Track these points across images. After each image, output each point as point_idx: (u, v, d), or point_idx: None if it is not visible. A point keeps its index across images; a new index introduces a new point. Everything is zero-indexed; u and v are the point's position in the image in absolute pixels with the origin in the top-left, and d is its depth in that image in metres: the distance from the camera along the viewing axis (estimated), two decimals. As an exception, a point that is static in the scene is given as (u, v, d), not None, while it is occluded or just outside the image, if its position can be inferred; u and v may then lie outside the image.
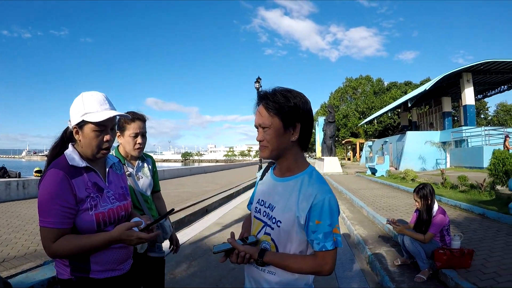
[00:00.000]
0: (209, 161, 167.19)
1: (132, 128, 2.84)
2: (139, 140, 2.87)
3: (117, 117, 1.98)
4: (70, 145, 1.92)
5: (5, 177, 12.47)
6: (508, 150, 18.29)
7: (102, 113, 1.84)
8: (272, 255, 1.65)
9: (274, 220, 1.69)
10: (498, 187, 10.12)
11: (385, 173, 20.65)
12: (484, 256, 4.80)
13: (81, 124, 1.85)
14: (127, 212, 2.06)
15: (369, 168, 23.36)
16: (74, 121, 1.86)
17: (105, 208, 1.89)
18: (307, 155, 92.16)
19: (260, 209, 1.80)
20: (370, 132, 59.60)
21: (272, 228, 1.69)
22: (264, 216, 1.76)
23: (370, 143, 41.95)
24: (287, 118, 1.62)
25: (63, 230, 1.75)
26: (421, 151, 26.06)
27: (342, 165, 36.02)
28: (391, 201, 10.65)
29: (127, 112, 2.80)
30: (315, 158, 45.63)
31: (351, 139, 59.42)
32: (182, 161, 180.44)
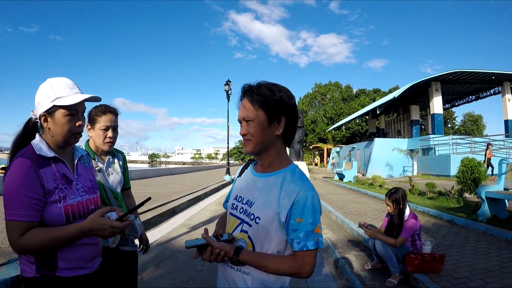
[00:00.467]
0: (176, 163, 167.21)
1: (103, 121, 2.73)
2: (109, 133, 2.76)
3: (86, 108, 1.89)
4: (37, 135, 1.80)
5: None
6: (490, 159, 18.91)
7: (73, 97, 1.76)
8: (249, 254, 1.56)
9: (252, 217, 1.60)
10: (466, 194, 10.33)
11: (352, 178, 20.89)
12: (455, 262, 4.84)
13: (51, 110, 1.75)
14: (96, 206, 1.95)
15: (337, 173, 23.58)
16: (42, 108, 1.75)
17: (74, 201, 1.79)
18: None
19: (237, 205, 1.71)
20: (338, 138, 60.17)
21: (250, 225, 1.60)
22: (241, 212, 1.67)
23: (337, 149, 42.42)
24: (272, 111, 1.58)
25: (31, 223, 1.64)
26: (389, 158, 26.41)
27: (309, 170, 36.33)
28: (360, 206, 10.75)
29: (99, 105, 2.75)
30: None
31: (319, 144, 59.78)
32: (149, 163, 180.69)
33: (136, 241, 3.00)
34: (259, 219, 1.57)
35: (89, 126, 2.76)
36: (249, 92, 1.61)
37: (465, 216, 7.88)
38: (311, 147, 62.83)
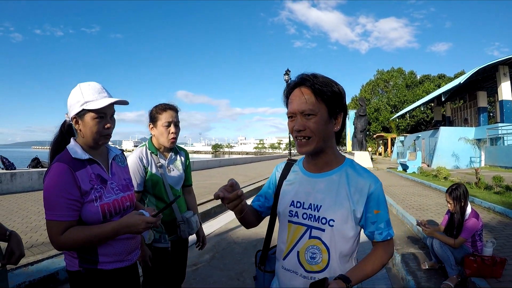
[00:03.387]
0: (239, 153, 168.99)
1: (164, 118, 2.86)
2: (172, 129, 2.88)
3: (115, 111, 2.01)
4: (72, 139, 1.94)
5: (38, 167, 12.94)
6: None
7: (101, 101, 1.87)
8: (353, 274, 1.48)
9: (324, 221, 1.54)
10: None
11: (416, 169, 20.07)
12: None
13: (81, 114, 1.87)
14: (132, 203, 2.12)
15: (400, 164, 22.79)
16: (73, 111, 1.88)
17: (110, 199, 1.93)
18: (338, 149, 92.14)
19: (296, 212, 1.62)
20: (402, 127, 58.25)
21: (323, 230, 1.55)
22: (305, 218, 1.60)
23: (402, 138, 40.88)
24: (334, 105, 1.51)
25: (70, 222, 1.79)
26: (455, 148, 24.98)
27: (373, 160, 35.49)
28: (422, 200, 10.33)
29: (159, 104, 2.91)
30: (345, 152, 45.15)
31: (383, 133, 57.97)
32: (212, 153, 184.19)
33: (193, 236, 3.24)
34: (333, 221, 1.52)
35: (151, 125, 2.91)
36: (309, 81, 1.49)
37: (534, 214, 7.29)
38: (374, 136, 61.16)
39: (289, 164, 1.82)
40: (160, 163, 2.92)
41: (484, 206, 8.81)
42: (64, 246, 1.80)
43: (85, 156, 1.89)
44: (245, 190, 12.95)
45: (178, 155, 3.13)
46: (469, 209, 4.40)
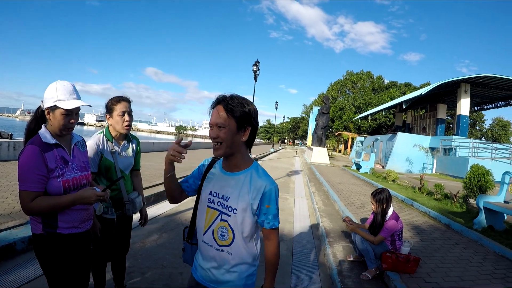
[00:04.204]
0: (203, 137, 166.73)
1: (119, 108, 3.20)
2: (126, 117, 3.24)
3: (80, 108, 2.42)
4: (43, 126, 2.35)
5: None
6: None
7: (71, 102, 2.30)
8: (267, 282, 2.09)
9: (230, 209, 2.00)
10: (471, 200, 10.23)
11: (369, 170, 20.81)
12: (433, 266, 4.97)
13: (53, 108, 2.29)
14: (88, 181, 2.56)
15: (355, 163, 23.57)
16: (47, 104, 2.28)
17: (70, 176, 2.38)
18: (301, 142, 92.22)
19: (213, 200, 2.06)
20: (364, 128, 59.70)
21: (229, 215, 2.00)
22: (219, 205, 2.04)
23: (361, 138, 41.86)
24: (241, 121, 1.91)
25: (38, 193, 2.23)
26: (410, 153, 26.17)
27: (331, 157, 36.21)
28: (365, 199, 10.82)
29: (114, 96, 3.25)
30: (306, 146, 45.78)
31: (344, 132, 58.91)
32: (175, 134, 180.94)
33: (137, 215, 3.73)
34: (236, 210, 1.97)
35: (108, 116, 3.25)
36: (224, 102, 1.91)
37: (463, 222, 7.90)
38: (336, 133, 62.28)
39: (214, 160, 2.23)
40: (114, 150, 3.28)
41: (421, 210, 9.43)
42: (32, 211, 2.23)
43: (53, 141, 2.31)
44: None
45: (130, 143, 3.49)
46: (390, 212, 4.83)
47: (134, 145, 3.55)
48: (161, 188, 9.82)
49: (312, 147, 32.09)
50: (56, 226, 2.36)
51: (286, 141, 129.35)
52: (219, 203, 2.04)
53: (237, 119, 1.89)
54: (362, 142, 40.38)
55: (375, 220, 4.91)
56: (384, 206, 4.83)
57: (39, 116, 2.39)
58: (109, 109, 3.23)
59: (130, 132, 3.47)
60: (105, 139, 3.28)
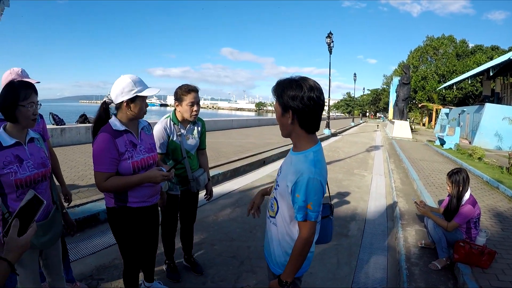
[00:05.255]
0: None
1: (188, 99, 3.47)
2: (195, 108, 3.52)
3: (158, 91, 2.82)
4: (113, 116, 2.69)
5: (85, 123, 14.23)
6: None
7: (149, 90, 2.67)
8: (284, 273, 2.03)
9: (277, 183, 2.15)
10: None
11: (453, 146, 19.27)
12: (510, 262, 4.38)
13: (133, 99, 2.62)
14: (154, 161, 2.88)
15: (438, 138, 21.96)
16: (126, 97, 2.59)
17: (138, 158, 2.70)
18: (383, 117, 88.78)
19: (278, 172, 2.22)
20: (449, 98, 55.68)
21: (276, 189, 2.15)
22: (276, 178, 2.21)
23: (447, 110, 38.61)
24: (284, 106, 1.95)
25: (110, 174, 2.58)
26: (499, 127, 22.99)
27: (414, 131, 34.73)
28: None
29: (183, 85, 3.55)
30: (387, 120, 44.26)
31: (427, 103, 55.06)
32: (255, 111, 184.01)
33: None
34: (278, 186, 2.11)
35: (177, 103, 3.53)
36: (273, 88, 2.03)
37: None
38: (419, 105, 59.16)
39: None
40: (180, 132, 3.57)
41: (507, 194, 8.35)
42: (106, 189, 2.61)
43: (122, 128, 2.64)
44: (277, 151, 13.32)
45: (195, 125, 3.74)
46: (467, 195, 4.42)
47: (199, 127, 3.82)
48: (238, 164, 10.15)
49: (393, 120, 31.09)
50: (127, 201, 2.74)
51: (367, 114, 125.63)
52: (277, 175, 2.20)
53: (280, 104, 1.96)
54: (447, 114, 37.32)
55: (450, 204, 4.55)
56: (461, 188, 4.43)
57: (104, 110, 2.72)
58: (178, 98, 3.51)
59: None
60: (171, 123, 3.61)
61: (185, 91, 3.48)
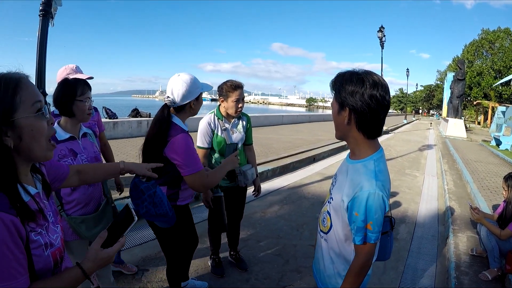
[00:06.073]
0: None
1: (234, 95, 3.50)
2: (240, 104, 3.55)
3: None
4: (175, 117, 2.63)
5: (137, 117, 14.95)
6: None
7: (208, 85, 2.75)
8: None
9: (331, 196, 1.85)
10: None
11: (510, 147, 18.08)
12: None
13: (198, 97, 2.66)
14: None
15: (494, 138, 20.87)
16: (194, 95, 2.62)
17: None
18: (437, 114, 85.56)
19: (333, 182, 1.94)
20: (506, 95, 52.06)
21: (330, 202, 1.85)
22: (331, 189, 1.91)
23: (503, 108, 36.51)
24: (341, 102, 1.67)
25: (204, 170, 2.61)
26: None
27: (469, 130, 33.31)
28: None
29: (228, 81, 3.59)
30: (441, 118, 42.66)
31: (483, 101, 52.08)
32: (306, 107, 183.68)
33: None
34: (332, 200, 1.81)
35: (222, 99, 3.58)
36: (332, 80, 1.75)
37: None
38: (474, 102, 56.23)
39: None
40: (224, 127, 3.63)
41: None
42: (209, 186, 2.67)
43: (186, 128, 2.64)
44: (327, 148, 13.25)
45: (240, 120, 3.77)
46: None
47: (244, 121, 3.82)
48: (287, 160, 10.17)
49: (447, 118, 29.96)
50: (177, 199, 2.81)
51: (420, 111, 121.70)
52: (331, 187, 1.91)
53: (337, 100, 1.69)
54: (503, 112, 35.20)
55: (505, 210, 4.26)
56: None
57: (168, 112, 2.63)
58: (224, 94, 3.55)
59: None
60: (215, 118, 3.66)
61: (231, 88, 3.51)
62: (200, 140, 3.60)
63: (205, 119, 3.64)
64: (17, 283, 1.14)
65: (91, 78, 3.28)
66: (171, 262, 3.05)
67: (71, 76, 3.10)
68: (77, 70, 3.41)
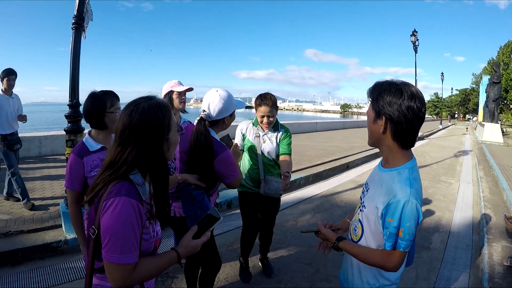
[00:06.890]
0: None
1: (259, 111, 3.71)
2: (265, 120, 3.70)
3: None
4: (212, 131, 2.69)
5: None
6: None
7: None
8: (347, 243, 1.89)
9: (363, 204, 1.87)
10: None
11: None
12: None
13: (232, 113, 2.76)
14: None
15: None
16: (229, 111, 2.72)
17: None
18: (472, 119, 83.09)
19: (363, 190, 1.95)
20: None
21: (362, 211, 1.86)
22: (362, 197, 1.93)
23: None
24: (377, 110, 1.69)
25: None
26: None
27: (506, 134, 32.28)
28: (540, 189, 9.32)
29: (260, 96, 3.74)
30: (476, 122, 41.53)
31: None
32: (341, 113, 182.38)
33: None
34: (365, 208, 1.82)
35: (254, 110, 3.78)
36: (369, 90, 1.78)
37: None
38: (511, 106, 54.63)
39: None
40: (258, 134, 3.81)
41: None
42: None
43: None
44: (361, 155, 13.16)
45: (276, 132, 3.87)
46: None
47: (279, 133, 3.87)
48: (321, 168, 10.15)
49: (483, 123, 29.17)
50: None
51: (456, 116, 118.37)
52: (362, 195, 1.93)
53: (374, 108, 1.70)
54: None
55: None
56: None
57: (205, 126, 2.71)
58: (255, 107, 3.76)
59: (281, 123, 3.97)
60: (251, 124, 3.90)
61: (258, 104, 3.71)
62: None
63: (241, 124, 3.97)
64: (133, 257, 1.44)
65: (191, 89, 3.70)
66: (205, 269, 3.12)
67: (174, 89, 3.61)
68: (179, 83, 3.73)
